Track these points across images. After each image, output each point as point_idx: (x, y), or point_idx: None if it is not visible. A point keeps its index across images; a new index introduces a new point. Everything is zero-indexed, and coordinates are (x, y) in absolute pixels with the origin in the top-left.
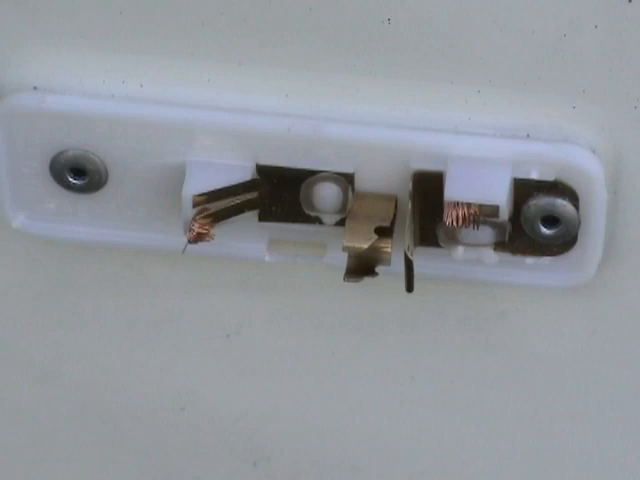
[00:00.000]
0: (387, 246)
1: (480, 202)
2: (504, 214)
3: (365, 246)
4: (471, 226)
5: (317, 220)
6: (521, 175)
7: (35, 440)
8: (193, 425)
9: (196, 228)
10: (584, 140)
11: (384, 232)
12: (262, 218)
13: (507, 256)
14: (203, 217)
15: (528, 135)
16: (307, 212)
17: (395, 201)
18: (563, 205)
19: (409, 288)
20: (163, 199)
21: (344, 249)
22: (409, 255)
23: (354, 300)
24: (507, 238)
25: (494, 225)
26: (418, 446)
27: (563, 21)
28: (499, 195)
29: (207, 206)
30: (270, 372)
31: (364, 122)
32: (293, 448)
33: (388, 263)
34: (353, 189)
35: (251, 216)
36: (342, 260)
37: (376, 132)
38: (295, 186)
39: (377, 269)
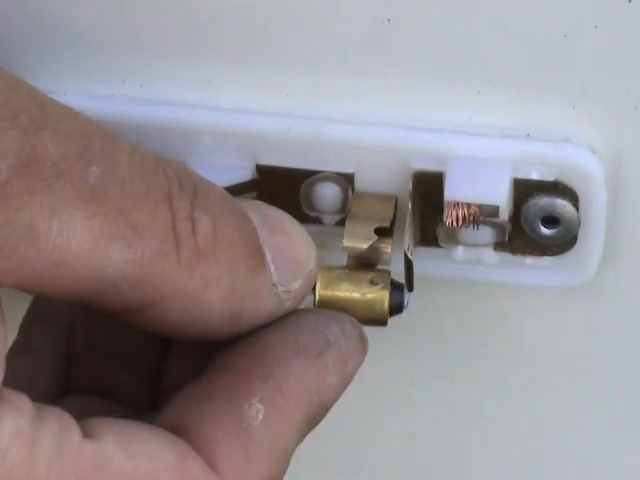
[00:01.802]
0: (387, 246)
1: (480, 202)
2: (504, 214)
3: (365, 246)
4: (471, 226)
5: (317, 220)
6: (521, 175)
7: None
8: None
9: None
10: (584, 140)
11: (384, 232)
12: None
13: (507, 256)
14: None
15: (528, 135)
16: (307, 212)
17: (395, 201)
18: (563, 205)
19: (409, 288)
20: None
21: (344, 249)
22: (409, 255)
23: None
24: (507, 238)
25: (494, 225)
26: (418, 446)
27: (563, 21)
28: (499, 195)
29: None
30: None
31: (364, 122)
32: None
33: (388, 263)
34: (353, 189)
35: None
36: (342, 260)
37: (376, 132)
38: (295, 186)
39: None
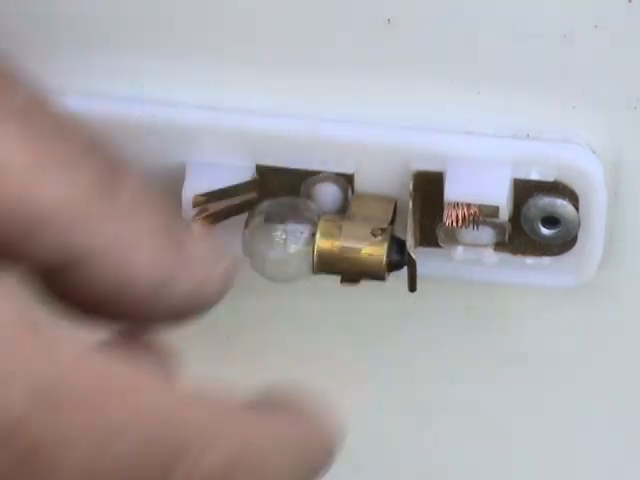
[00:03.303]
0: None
1: (480, 202)
2: (504, 214)
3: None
4: (471, 226)
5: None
6: (521, 175)
7: None
8: None
9: None
10: (584, 140)
11: (381, 234)
12: None
13: (507, 256)
14: (203, 217)
15: (528, 135)
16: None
17: (395, 204)
18: (563, 205)
19: (412, 288)
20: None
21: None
22: (412, 254)
23: (354, 300)
24: (507, 238)
25: (494, 225)
26: (418, 446)
27: (563, 21)
28: (499, 195)
29: (207, 206)
30: (270, 373)
31: (364, 122)
32: None
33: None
34: (353, 190)
35: None
36: None
37: (376, 132)
38: (295, 186)
39: None
